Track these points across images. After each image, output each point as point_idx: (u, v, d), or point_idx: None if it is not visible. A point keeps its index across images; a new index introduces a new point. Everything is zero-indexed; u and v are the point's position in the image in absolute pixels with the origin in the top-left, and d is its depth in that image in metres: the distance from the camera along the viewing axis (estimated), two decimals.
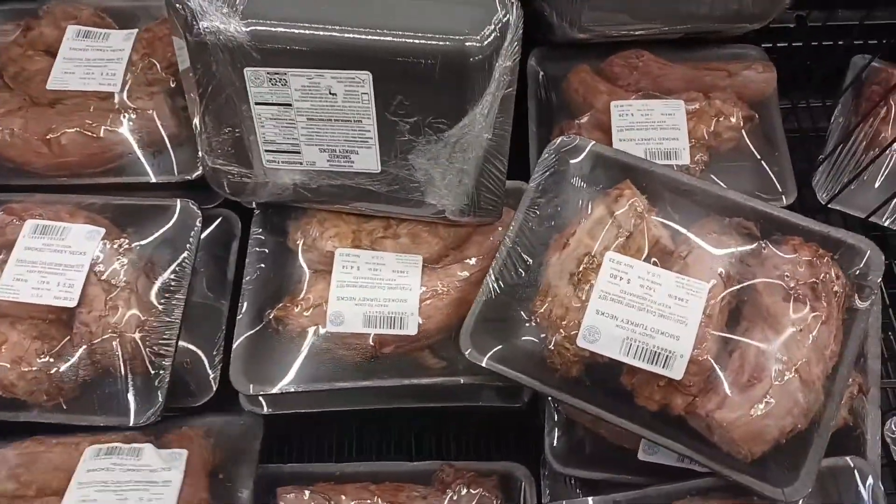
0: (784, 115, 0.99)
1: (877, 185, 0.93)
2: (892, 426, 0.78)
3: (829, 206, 0.93)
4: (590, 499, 0.69)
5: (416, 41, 0.65)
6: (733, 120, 0.93)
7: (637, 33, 0.97)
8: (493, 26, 0.65)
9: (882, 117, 0.95)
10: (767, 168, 0.93)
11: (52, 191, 0.84)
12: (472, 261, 0.79)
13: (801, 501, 0.64)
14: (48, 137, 0.84)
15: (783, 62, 1.02)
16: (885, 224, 0.92)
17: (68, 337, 0.75)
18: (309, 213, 0.81)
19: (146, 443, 0.72)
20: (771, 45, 1.06)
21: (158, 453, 0.71)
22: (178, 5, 0.66)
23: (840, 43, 1.02)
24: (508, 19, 0.66)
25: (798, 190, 0.92)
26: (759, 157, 0.94)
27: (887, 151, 0.91)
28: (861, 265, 0.68)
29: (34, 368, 0.73)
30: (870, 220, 0.91)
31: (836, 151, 0.94)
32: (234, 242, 0.90)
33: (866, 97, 0.98)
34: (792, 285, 0.66)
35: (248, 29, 0.65)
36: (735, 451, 0.64)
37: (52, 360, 0.73)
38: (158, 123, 0.87)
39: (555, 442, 0.76)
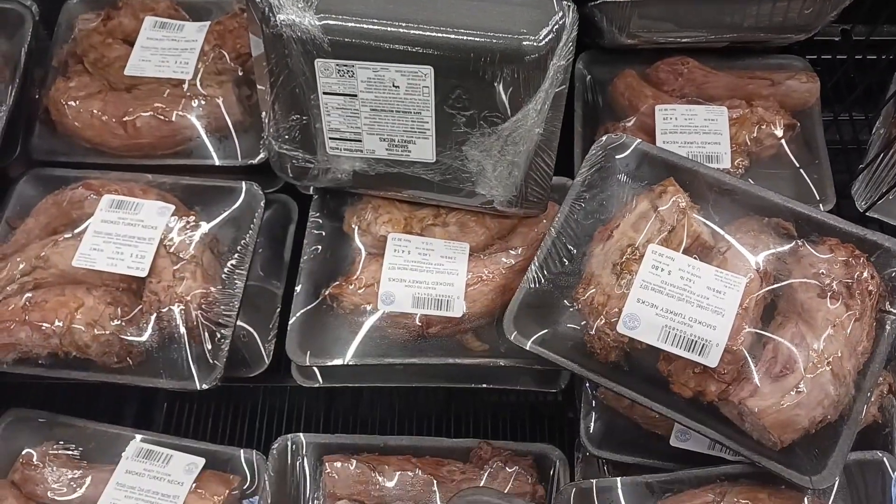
0: (826, 126, 1.01)
1: None
2: None
3: (867, 214, 0.95)
4: (618, 479, 0.72)
5: (477, 39, 0.69)
6: (775, 128, 0.95)
7: (683, 41, 1.00)
8: (549, 27, 0.69)
9: None
10: (806, 176, 0.96)
11: (125, 170, 0.90)
12: (517, 250, 0.83)
13: (832, 489, 0.66)
14: (124, 120, 0.90)
15: (827, 74, 1.04)
16: None
17: (139, 305, 0.80)
18: (364, 199, 0.86)
19: None
20: (815, 56, 1.09)
21: None
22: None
23: (883, 57, 1.04)
24: (565, 21, 0.70)
25: (837, 199, 0.94)
26: (798, 165, 0.96)
27: None
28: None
29: (107, 332, 0.78)
30: None
31: (875, 161, 0.96)
32: (291, 226, 0.95)
33: None
34: (827, 283, 0.68)
35: (320, 23, 0.70)
36: (765, 439, 0.67)
37: (123, 324, 0.79)
38: (224, 110, 0.92)
39: (590, 426, 0.80)
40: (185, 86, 0.92)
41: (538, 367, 0.80)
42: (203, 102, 0.92)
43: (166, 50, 0.94)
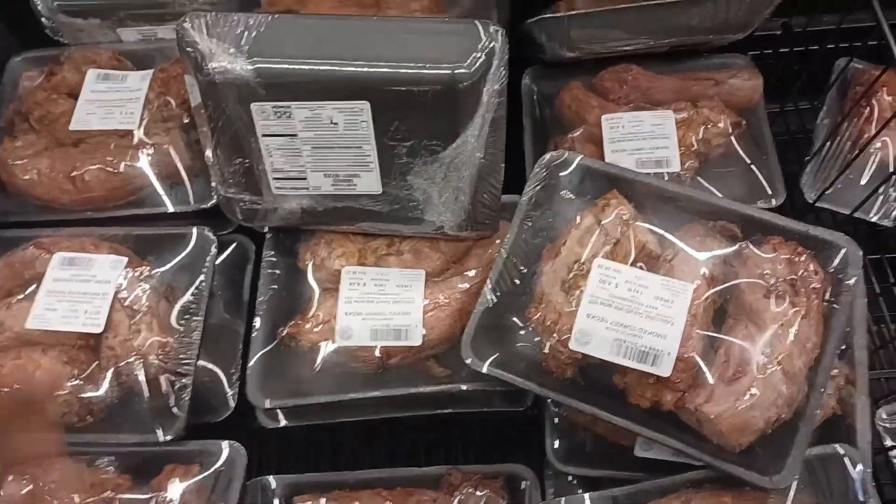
0: (773, 118, 1.02)
1: (863, 182, 0.96)
2: (883, 415, 0.80)
3: (816, 204, 0.96)
4: (587, 495, 0.72)
5: (409, 71, 0.70)
6: (721, 126, 0.96)
7: (625, 49, 1.01)
8: (479, 53, 0.70)
9: (866, 117, 0.98)
10: (757, 171, 0.97)
11: (77, 225, 0.90)
12: (472, 273, 0.83)
13: (791, 487, 0.67)
14: (73, 175, 0.90)
15: (771, 67, 1.05)
16: (872, 219, 0.94)
17: (96, 361, 0.80)
18: (317, 234, 0.86)
19: None
20: (758, 52, 1.10)
21: None
22: (188, 49, 0.72)
23: (823, 46, 1.05)
24: (493, 46, 0.71)
25: (788, 191, 0.95)
26: (748, 161, 0.97)
27: (871, 149, 0.94)
28: (839, 261, 0.71)
29: (65, 392, 0.78)
30: (855, 215, 0.94)
31: (822, 151, 0.97)
32: (249, 265, 0.95)
33: (850, 97, 1.01)
34: (772, 282, 0.69)
35: (252, 67, 0.70)
36: (724, 443, 0.67)
37: (81, 383, 0.78)
38: (175, 157, 0.92)
39: (556, 442, 0.80)
40: (133, 136, 0.92)
41: (500, 388, 0.80)
42: (151, 151, 0.92)
43: (111, 101, 0.94)
